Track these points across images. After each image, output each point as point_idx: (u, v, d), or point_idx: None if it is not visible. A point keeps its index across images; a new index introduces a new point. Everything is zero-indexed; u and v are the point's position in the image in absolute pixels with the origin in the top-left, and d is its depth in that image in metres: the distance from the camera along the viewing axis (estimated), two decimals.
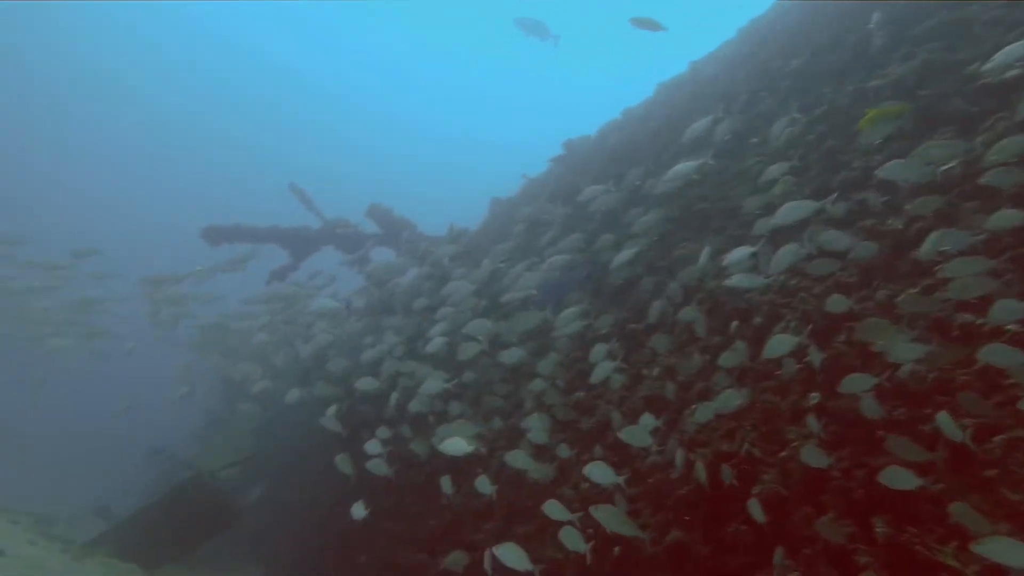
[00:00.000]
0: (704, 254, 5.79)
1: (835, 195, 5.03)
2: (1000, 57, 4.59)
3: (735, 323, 5.61)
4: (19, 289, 14.76)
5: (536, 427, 6.24)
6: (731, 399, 4.44)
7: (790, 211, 4.95)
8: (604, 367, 5.87)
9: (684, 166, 6.24)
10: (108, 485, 16.85)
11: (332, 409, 7.93)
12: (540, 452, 6.41)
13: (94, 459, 20.85)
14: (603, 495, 5.33)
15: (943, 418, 3.66)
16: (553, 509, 5.15)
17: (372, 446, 6.99)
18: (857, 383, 4.18)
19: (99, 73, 55.24)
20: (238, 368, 12.14)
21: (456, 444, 5.97)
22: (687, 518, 4.79)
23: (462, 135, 66.84)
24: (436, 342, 7.33)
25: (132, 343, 14.62)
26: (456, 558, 6.00)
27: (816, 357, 4.55)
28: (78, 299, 14.31)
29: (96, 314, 14.73)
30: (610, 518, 4.68)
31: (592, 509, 4.78)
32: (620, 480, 4.96)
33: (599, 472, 5.01)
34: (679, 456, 4.75)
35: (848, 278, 4.88)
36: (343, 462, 7.24)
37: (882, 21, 6.20)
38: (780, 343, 4.57)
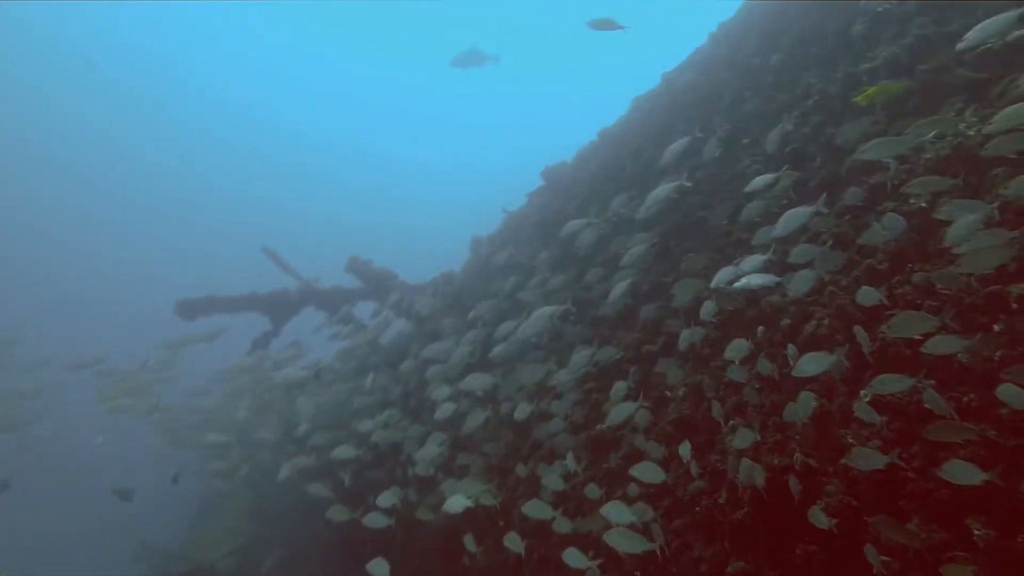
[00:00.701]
0: (725, 272, 5.49)
1: (824, 195, 4.86)
2: (974, 35, 4.46)
3: (760, 328, 5.28)
4: None
5: (552, 473, 5.85)
6: (808, 401, 4.05)
7: (790, 220, 4.82)
8: (623, 408, 5.48)
9: (661, 190, 6.06)
10: None
11: (346, 476, 7.52)
12: (563, 499, 5.94)
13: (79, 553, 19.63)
14: (643, 533, 4.89)
15: (1006, 390, 3.34)
16: (572, 557, 4.84)
17: (382, 500, 6.53)
18: (889, 384, 3.85)
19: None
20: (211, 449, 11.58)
21: (455, 502, 5.82)
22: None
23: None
24: (444, 409, 6.95)
25: (100, 436, 13.84)
26: None
27: (866, 345, 4.23)
28: (12, 391, 13.55)
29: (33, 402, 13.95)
30: (620, 540, 4.50)
31: (605, 536, 4.55)
32: (634, 519, 4.64)
33: (616, 512, 4.70)
34: (743, 468, 4.33)
35: (878, 265, 4.60)
36: (337, 512, 6.80)
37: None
38: (816, 361, 4.24)
